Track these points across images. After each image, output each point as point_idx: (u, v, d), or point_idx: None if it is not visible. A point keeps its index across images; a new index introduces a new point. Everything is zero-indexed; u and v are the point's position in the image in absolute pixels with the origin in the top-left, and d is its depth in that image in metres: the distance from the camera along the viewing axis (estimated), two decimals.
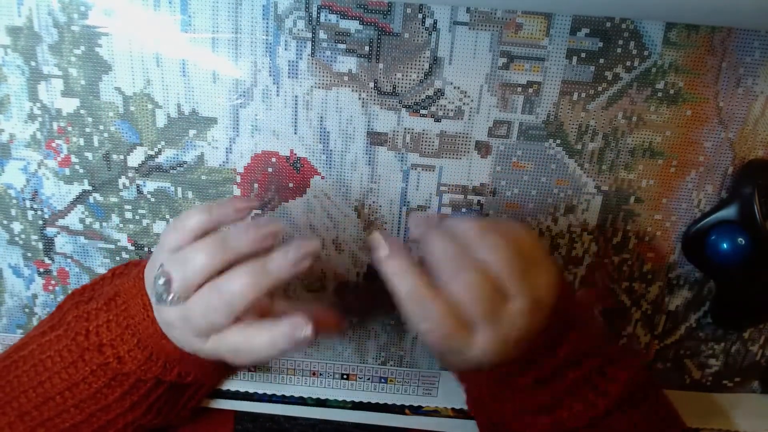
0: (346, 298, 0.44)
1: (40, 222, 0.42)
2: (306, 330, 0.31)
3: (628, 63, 0.37)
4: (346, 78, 0.38)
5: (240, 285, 0.31)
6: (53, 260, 0.43)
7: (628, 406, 0.36)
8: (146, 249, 0.43)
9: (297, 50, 0.38)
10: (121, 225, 0.42)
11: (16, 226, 0.42)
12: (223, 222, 0.33)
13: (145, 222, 0.42)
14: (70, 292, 0.44)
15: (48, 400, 0.35)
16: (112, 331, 0.35)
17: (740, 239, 0.38)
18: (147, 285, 0.34)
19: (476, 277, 0.29)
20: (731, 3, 0.32)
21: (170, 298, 0.31)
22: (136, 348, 0.34)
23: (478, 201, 0.41)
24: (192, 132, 0.40)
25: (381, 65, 0.38)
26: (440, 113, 0.39)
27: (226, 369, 0.37)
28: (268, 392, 0.45)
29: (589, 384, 0.35)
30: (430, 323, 0.30)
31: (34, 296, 0.45)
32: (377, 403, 0.46)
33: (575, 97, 0.38)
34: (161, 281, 0.32)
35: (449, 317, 0.30)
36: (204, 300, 0.31)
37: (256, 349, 0.32)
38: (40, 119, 0.39)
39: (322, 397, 0.46)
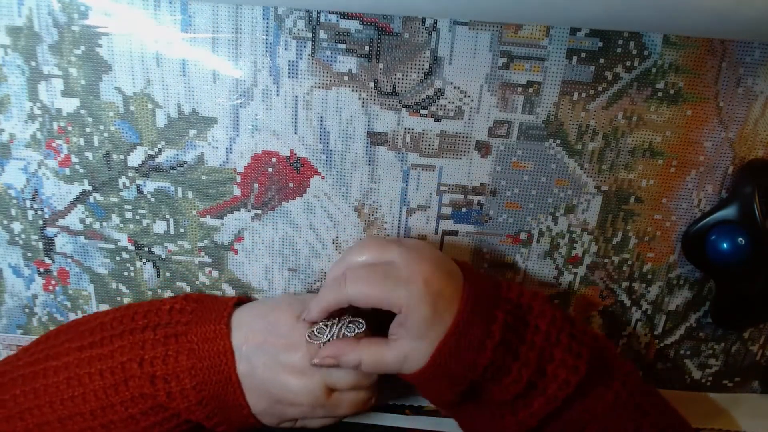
0: None
1: (40, 222, 0.42)
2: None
3: (628, 63, 0.37)
4: (346, 78, 0.38)
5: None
6: (53, 260, 0.43)
7: (601, 378, 0.36)
8: (146, 249, 0.43)
9: (297, 50, 0.38)
10: (121, 225, 0.42)
11: (16, 226, 0.42)
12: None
13: (145, 222, 0.42)
14: (70, 292, 0.44)
15: (75, 415, 0.35)
16: (168, 366, 0.35)
17: (740, 239, 0.38)
18: (236, 333, 0.36)
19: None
20: (725, 20, 0.32)
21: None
22: (191, 389, 0.35)
23: (478, 201, 0.41)
24: (192, 132, 0.40)
25: (381, 65, 0.38)
26: (440, 113, 0.39)
27: (255, 428, 0.38)
28: None
29: (560, 346, 0.34)
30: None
31: (34, 296, 0.45)
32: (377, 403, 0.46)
33: (575, 97, 0.38)
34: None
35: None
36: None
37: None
38: (40, 119, 0.39)
39: None
